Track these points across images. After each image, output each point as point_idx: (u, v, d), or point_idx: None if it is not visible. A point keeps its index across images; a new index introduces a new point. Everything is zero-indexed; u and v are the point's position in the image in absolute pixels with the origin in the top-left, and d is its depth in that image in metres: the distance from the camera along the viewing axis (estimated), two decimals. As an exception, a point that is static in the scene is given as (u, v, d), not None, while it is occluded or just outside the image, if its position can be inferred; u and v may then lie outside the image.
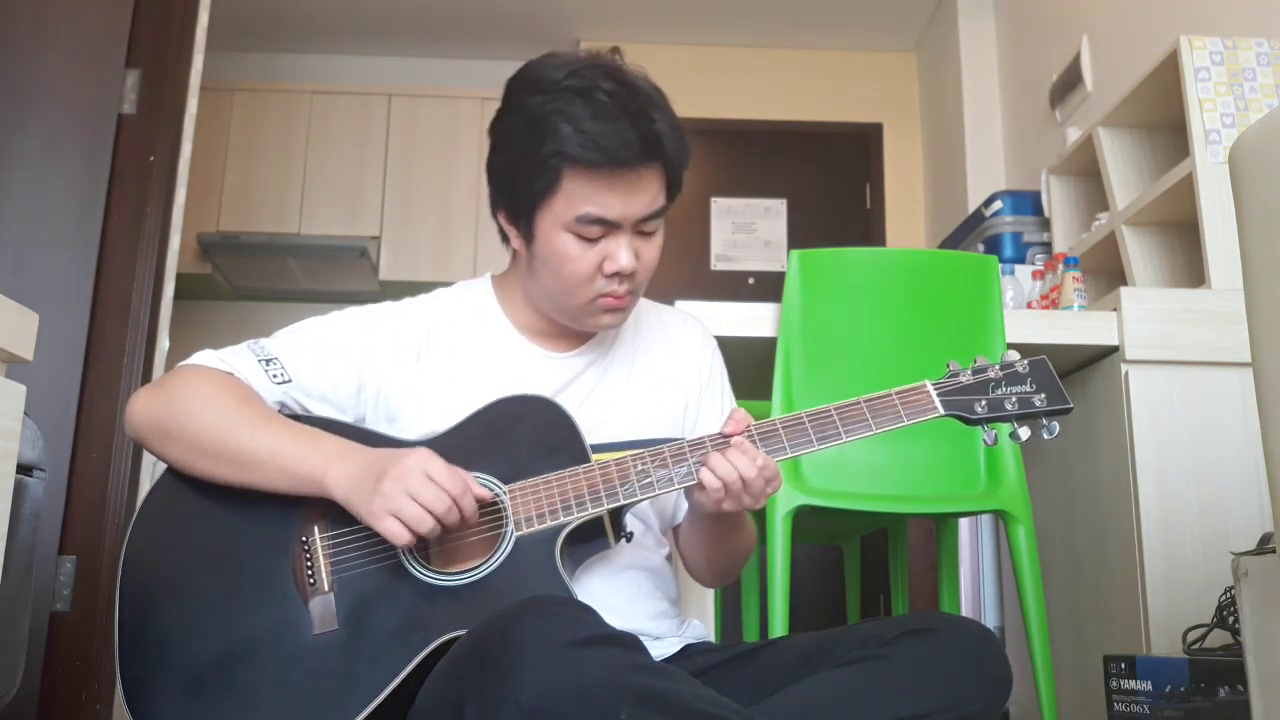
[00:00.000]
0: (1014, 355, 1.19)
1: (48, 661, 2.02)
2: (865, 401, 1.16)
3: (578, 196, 1.17)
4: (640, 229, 1.21)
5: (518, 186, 1.21)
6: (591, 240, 1.19)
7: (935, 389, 1.17)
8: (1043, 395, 1.16)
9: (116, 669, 1.10)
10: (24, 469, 1.08)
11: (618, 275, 1.21)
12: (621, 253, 1.19)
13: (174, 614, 1.11)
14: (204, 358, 1.22)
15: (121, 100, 2.30)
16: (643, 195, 1.19)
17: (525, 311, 1.32)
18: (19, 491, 1.02)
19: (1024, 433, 1.17)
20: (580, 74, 1.17)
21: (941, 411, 1.16)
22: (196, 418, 1.15)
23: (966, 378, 1.18)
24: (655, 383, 1.35)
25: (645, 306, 1.42)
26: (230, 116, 4.66)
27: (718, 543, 1.31)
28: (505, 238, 1.30)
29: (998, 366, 1.18)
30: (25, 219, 2.19)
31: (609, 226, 1.19)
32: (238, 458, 1.13)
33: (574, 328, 1.30)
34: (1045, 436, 1.16)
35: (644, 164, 1.18)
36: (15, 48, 2.26)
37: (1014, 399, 1.16)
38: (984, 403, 1.16)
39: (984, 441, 1.18)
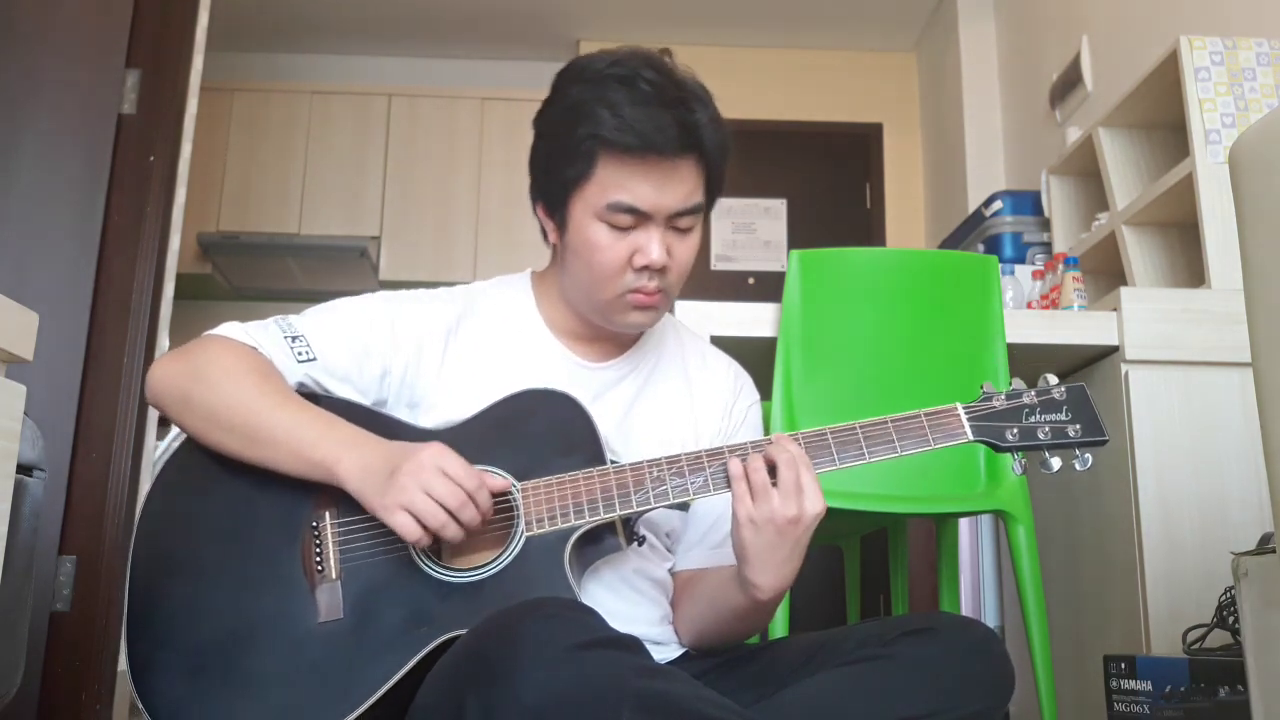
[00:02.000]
0: (1051, 380, 1.15)
1: (48, 661, 2.02)
2: (892, 421, 1.12)
3: (610, 183, 1.16)
4: (675, 224, 1.19)
5: (553, 173, 1.20)
6: (623, 230, 1.17)
7: (966, 413, 1.12)
8: (1078, 426, 1.11)
9: (123, 640, 1.10)
10: (24, 469, 1.08)
11: (647, 269, 1.18)
12: (652, 245, 1.17)
13: (182, 590, 1.11)
14: (230, 329, 1.21)
15: (121, 100, 2.30)
16: (678, 188, 1.17)
17: (561, 312, 1.29)
18: (19, 491, 1.02)
19: (1055, 463, 1.11)
20: (624, 63, 1.17)
21: (971, 437, 1.11)
22: (217, 389, 1.14)
23: (1000, 402, 1.13)
24: (685, 411, 1.32)
25: (693, 340, 1.40)
26: (230, 116, 4.66)
27: (730, 616, 1.21)
28: (545, 234, 1.28)
29: (1033, 392, 1.13)
30: (25, 219, 2.19)
31: (640, 217, 1.17)
32: (254, 434, 1.12)
33: (604, 327, 1.27)
34: (1077, 468, 1.11)
35: (680, 154, 1.16)
36: (15, 48, 2.26)
37: (1047, 428, 1.11)
38: (1015, 430, 1.11)
39: (1012, 470, 1.13)
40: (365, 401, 1.22)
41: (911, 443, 1.11)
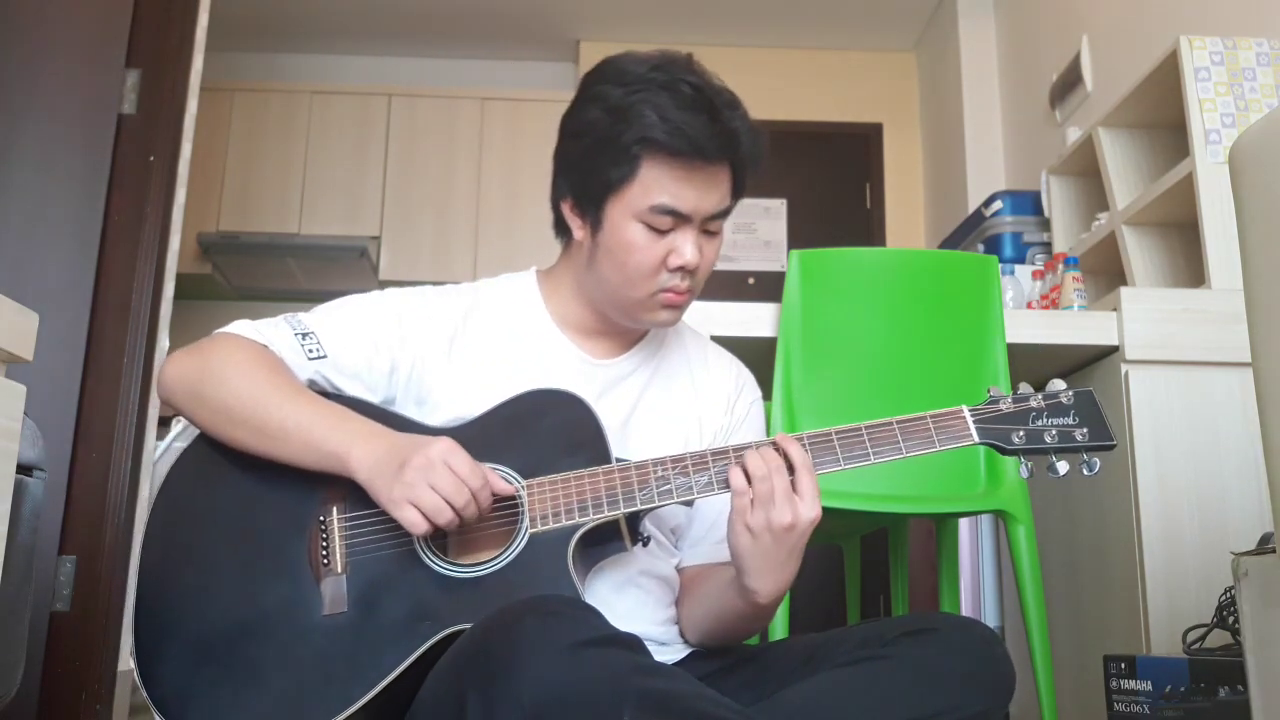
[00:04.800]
0: (1059, 385, 1.14)
1: (48, 661, 2.02)
2: (898, 423, 1.12)
3: (654, 186, 1.17)
4: (706, 226, 1.21)
5: (594, 173, 1.20)
6: (660, 232, 1.18)
7: (972, 415, 1.12)
8: (1085, 430, 1.10)
9: (127, 630, 1.11)
10: (24, 469, 1.08)
11: (681, 270, 1.20)
12: (688, 247, 1.19)
13: (189, 581, 1.13)
14: (241, 327, 1.22)
15: (121, 100, 2.30)
16: (715, 191, 1.20)
17: (570, 308, 1.30)
18: (19, 491, 1.02)
19: (1062, 467, 1.10)
20: (664, 69, 1.18)
21: (977, 440, 1.11)
22: (228, 385, 1.15)
23: (1006, 405, 1.12)
24: (689, 407, 1.32)
25: (695, 337, 1.41)
26: (230, 116, 4.67)
27: (732, 618, 1.21)
28: (561, 230, 1.29)
29: (1041, 396, 1.13)
30: (25, 219, 2.19)
31: (679, 219, 1.18)
32: (265, 428, 1.13)
33: (626, 325, 1.28)
34: (1085, 473, 1.10)
35: (720, 160, 1.18)
36: (15, 48, 2.26)
37: (1054, 431, 1.10)
38: (1022, 433, 1.11)
39: (1019, 473, 1.13)
40: (374, 399, 1.23)
41: (917, 444, 1.11)
